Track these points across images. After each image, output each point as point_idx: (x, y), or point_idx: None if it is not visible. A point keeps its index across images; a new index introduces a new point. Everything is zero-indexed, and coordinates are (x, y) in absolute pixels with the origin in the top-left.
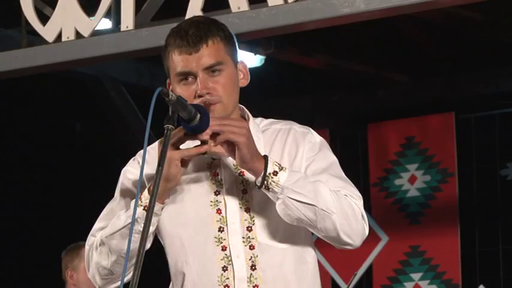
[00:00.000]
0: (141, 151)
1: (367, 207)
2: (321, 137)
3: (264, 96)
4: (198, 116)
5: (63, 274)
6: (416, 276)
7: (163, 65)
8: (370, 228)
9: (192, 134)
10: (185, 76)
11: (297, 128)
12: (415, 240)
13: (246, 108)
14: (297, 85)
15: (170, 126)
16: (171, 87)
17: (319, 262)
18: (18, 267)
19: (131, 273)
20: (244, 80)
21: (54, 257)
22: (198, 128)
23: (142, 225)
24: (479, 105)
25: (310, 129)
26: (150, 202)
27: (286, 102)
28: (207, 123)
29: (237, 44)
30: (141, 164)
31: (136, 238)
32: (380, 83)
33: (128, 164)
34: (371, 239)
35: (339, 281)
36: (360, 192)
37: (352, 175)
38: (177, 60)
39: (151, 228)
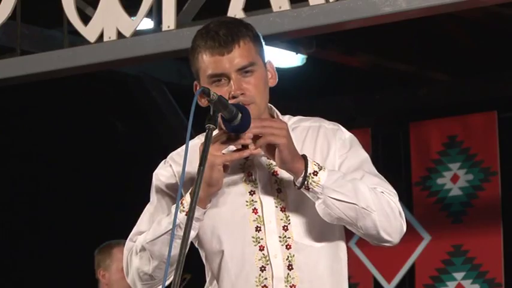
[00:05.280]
0: (172, 154)
1: (409, 206)
2: (350, 133)
3: (306, 96)
4: (240, 115)
5: (95, 272)
6: (458, 275)
7: (191, 67)
8: (412, 228)
9: (234, 133)
10: (218, 78)
11: (326, 124)
12: (457, 239)
13: (288, 107)
14: (338, 84)
15: (211, 125)
16: (198, 88)
17: (361, 262)
18: (58, 265)
19: (170, 278)
20: (272, 80)
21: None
22: (240, 128)
23: (173, 229)
24: None
25: (339, 125)
26: (190, 205)
27: (328, 102)
28: (249, 123)
29: (263, 44)
30: (173, 167)
31: (177, 243)
32: (422, 82)
33: (159, 167)
34: (413, 238)
35: (382, 280)
36: (402, 192)
37: (394, 174)
38: (209, 62)
39: (193, 233)
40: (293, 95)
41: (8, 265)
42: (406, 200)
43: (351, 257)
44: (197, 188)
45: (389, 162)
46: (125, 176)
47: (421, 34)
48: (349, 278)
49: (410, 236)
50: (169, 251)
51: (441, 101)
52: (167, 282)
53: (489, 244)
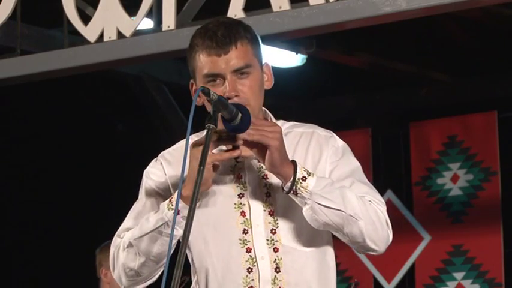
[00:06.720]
0: (163, 152)
1: (409, 206)
2: (343, 142)
3: (306, 96)
4: (240, 115)
5: (97, 271)
6: (459, 275)
7: (188, 65)
8: (412, 228)
9: (233, 133)
10: (213, 78)
11: (319, 131)
12: (457, 239)
13: (288, 107)
14: (338, 84)
15: (211, 125)
16: (194, 87)
17: (361, 262)
18: (58, 264)
19: (156, 276)
20: (268, 83)
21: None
22: (240, 128)
23: (172, 228)
24: None
25: (333, 133)
26: (190, 206)
27: (328, 102)
28: (249, 123)
29: (261, 46)
30: (164, 165)
31: (165, 241)
32: (422, 82)
33: (150, 166)
34: (413, 238)
35: (382, 280)
36: (402, 191)
37: (394, 174)
38: (205, 62)
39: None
40: (293, 95)
41: (8, 264)
42: (406, 200)
43: (351, 257)
44: (197, 188)
45: (390, 162)
46: (125, 175)
47: (421, 34)
48: (349, 278)
49: (410, 236)
50: (169, 250)
51: (441, 101)
52: (151, 281)
53: (489, 244)
